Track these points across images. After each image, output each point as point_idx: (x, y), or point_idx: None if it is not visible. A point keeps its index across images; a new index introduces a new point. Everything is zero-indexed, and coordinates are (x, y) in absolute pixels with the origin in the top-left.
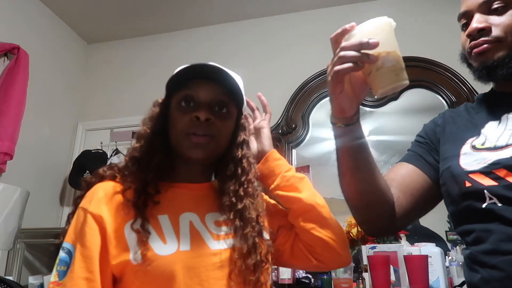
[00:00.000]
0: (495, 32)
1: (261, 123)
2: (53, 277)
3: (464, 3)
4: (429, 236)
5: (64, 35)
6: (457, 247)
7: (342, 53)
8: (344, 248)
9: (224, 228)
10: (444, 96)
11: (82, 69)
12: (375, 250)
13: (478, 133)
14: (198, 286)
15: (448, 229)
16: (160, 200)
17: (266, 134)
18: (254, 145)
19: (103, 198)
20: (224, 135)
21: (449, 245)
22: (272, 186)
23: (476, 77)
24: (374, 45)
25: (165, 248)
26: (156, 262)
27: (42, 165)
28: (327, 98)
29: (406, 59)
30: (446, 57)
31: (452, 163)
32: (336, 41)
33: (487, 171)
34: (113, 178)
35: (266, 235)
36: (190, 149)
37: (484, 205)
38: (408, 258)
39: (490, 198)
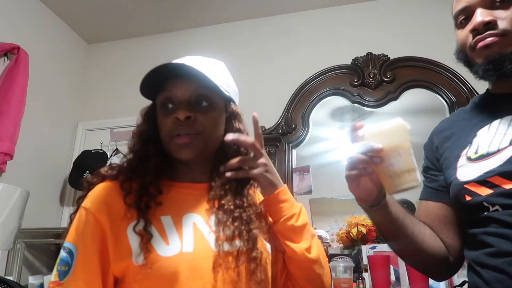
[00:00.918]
0: (502, 25)
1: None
2: (53, 276)
3: None
4: None
5: (64, 35)
6: None
7: (350, 158)
8: None
9: (228, 229)
10: (444, 96)
11: (82, 69)
12: (375, 250)
13: (470, 142)
14: None
15: None
16: (162, 201)
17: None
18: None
19: (106, 199)
20: (211, 128)
21: None
22: (273, 224)
23: (480, 74)
24: (378, 150)
25: (168, 249)
26: (158, 263)
27: (42, 165)
28: (327, 98)
29: (406, 59)
30: (446, 57)
31: (451, 178)
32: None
33: (482, 180)
34: (114, 178)
35: (267, 244)
36: (177, 151)
37: (486, 213)
38: None
39: (492, 206)
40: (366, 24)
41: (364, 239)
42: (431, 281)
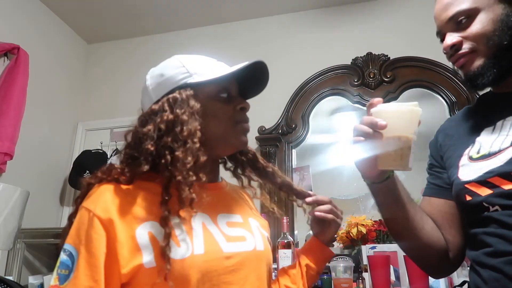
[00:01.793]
0: (466, 44)
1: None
2: (53, 280)
3: (436, 22)
4: None
5: (64, 35)
6: None
7: (356, 126)
8: None
9: (236, 229)
10: (444, 96)
11: (82, 69)
12: (375, 250)
13: (473, 141)
14: None
15: None
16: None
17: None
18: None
19: (111, 201)
20: None
21: None
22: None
23: (466, 87)
24: (381, 127)
25: (179, 251)
26: (170, 266)
27: (42, 165)
28: (327, 98)
29: (406, 59)
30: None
31: (454, 177)
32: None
33: (482, 180)
34: (116, 180)
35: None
36: (243, 135)
37: (485, 213)
38: (408, 258)
39: (492, 206)
40: (366, 24)
41: (364, 239)
42: (431, 281)
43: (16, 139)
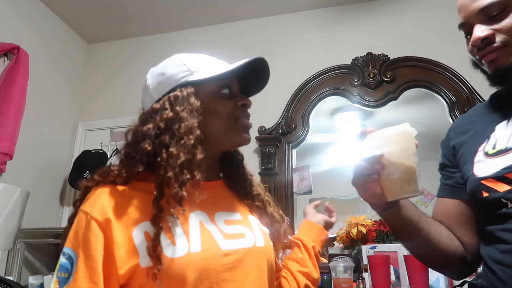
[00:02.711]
0: (499, 37)
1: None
2: (53, 283)
3: (460, 13)
4: None
5: (64, 35)
6: None
7: (354, 165)
8: None
9: (235, 227)
10: (444, 96)
11: (82, 69)
12: (375, 250)
13: (488, 137)
14: None
15: None
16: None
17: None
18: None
19: (108, 203)
20: None
21: None
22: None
23: (491, 83)
24: (378, 158)
25: (175, 250)
26: (166, 265)
27: (42, 165)
28: (327, 98)
29: (406, 59)
30: (446, 57)
31: (468, 173)
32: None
33: (499, 176)
34: (113, 182)
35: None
36: (244, 131)
37: (504, 210)
38: (408, 258)
39: (511, 202)
40: (366, 24)
41: (364, 239)
42: (431, 281)
43: (16, 139)
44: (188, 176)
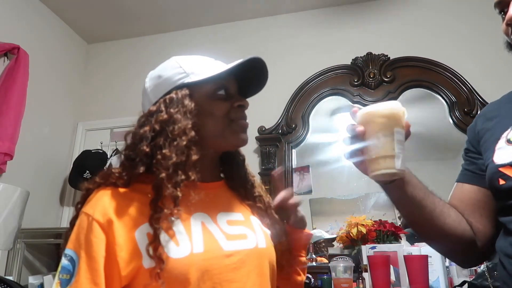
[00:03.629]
0: None
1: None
2: (55, 285)
3: None
4: None
5: (64, 35)
6: None
7: (344, 141)
8: None
9: (237, 228)
10: (444, 96)
11: (82, 69)
12: (375, 250)
13: (511, 124)
14: None
15: None
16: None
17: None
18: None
19: (109, 205)
20: None
21: None
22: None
23: None
24: (359, 132)
25: (178, 250)
26: (169, 265)
27: (42, 165)
28: (327, 98)
29: (406, 59)
30: (446, 57)
31: (488, 160)
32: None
33: None
34: (114, 184)
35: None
36: (240, 133)
37: None
38: (408, 258)
39: None
40: (366, 24)
41: (364, 239)
42: (431, 281)
43: (16, 139)
44: (182, 176)
